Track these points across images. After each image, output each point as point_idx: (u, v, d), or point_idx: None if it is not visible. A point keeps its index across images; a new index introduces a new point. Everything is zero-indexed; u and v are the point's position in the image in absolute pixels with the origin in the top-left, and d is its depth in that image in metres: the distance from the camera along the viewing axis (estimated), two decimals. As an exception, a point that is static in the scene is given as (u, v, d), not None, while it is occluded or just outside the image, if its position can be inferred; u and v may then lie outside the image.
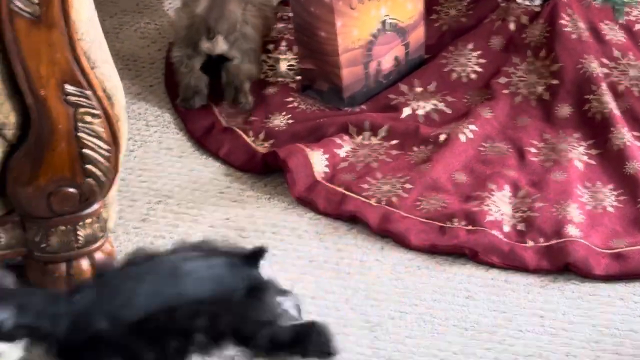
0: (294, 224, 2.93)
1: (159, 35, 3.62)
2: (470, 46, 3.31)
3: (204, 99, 3.26)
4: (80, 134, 2.52)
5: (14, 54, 2.41)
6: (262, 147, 3.12)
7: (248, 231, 2.92)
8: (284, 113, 3.22)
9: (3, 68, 2.43)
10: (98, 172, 2.58)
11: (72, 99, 2.49)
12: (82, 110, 2.50)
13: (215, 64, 3.25)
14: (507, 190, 2.91)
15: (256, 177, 3.10)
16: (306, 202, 2.97)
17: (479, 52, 3.29)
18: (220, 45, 3.14)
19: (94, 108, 2.51)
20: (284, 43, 3.44)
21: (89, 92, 2.49)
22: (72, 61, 2.45)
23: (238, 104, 3.22)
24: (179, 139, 3.24)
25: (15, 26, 2.38)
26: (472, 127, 3.07)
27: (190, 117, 3.27)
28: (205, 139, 3.18)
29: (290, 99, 3.28)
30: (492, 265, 2.75)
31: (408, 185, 2.94)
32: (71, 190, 2.59)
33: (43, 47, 2.42)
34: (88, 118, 2.52)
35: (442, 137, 3.06)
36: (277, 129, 3.17)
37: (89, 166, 2.56)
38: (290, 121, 3.19)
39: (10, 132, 2.51)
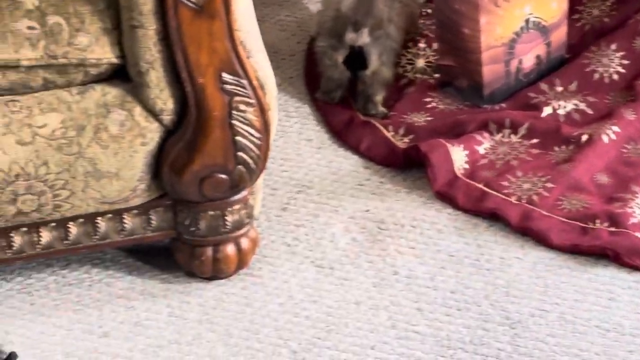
0: (433, 219, 2.96)
1: (299, 28, 3.68)
2: (613, 46, 3.28)
3: (344, 92, 3.31)
4: (234, 122, 2.60)
5: (176, 42, 2.49)
6: (401, 142, 3.15)
7: (387, 223, 2.95)
8: (422, 112, 3.25)
9: (165, 56, 2.51)
10: (249, 160, 2.65)
11: (229, 87, 2.56)
12: (237, 98, 2.58)
13: (353, 66, 3.29)
14: (651, 193, 2.90)
15: (394, 170, 3.14)
16: (446, 197, 2.99)
17: (622, 53, 3.27)
18: (364, 38, 3.18)
19: (248, 97, 2.58)
20: (423, 39, 3.47)
21: (244, 81, 2.57)
22: (230, 50, 2.53)
23: (368, 114, 3.26)
24: (318, 130, 3.29)
25: (179, 15, 2.46)
26: (615, 128, 3.05)
27: (329, 110, 3.31)
28: (344, 133, 3.22)
29: (429, 98, 3.30)
30: (635, 268, 2.74)
31: (549, 185, 2.94)
32: (223, 176, 2.66)
33: (204, 36, 2.50)
34: (242, 106, 2.59)
35: (584, 138, 3.04)
36: (416, 124, 3.20)
37: (240, 153, 2.63)
38: (429, 118, 3.22)
39: (167, 118, 2.59)
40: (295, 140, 3.26)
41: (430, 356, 2.59)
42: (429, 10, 3.49)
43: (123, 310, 2.75)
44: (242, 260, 2.82)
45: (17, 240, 2.66)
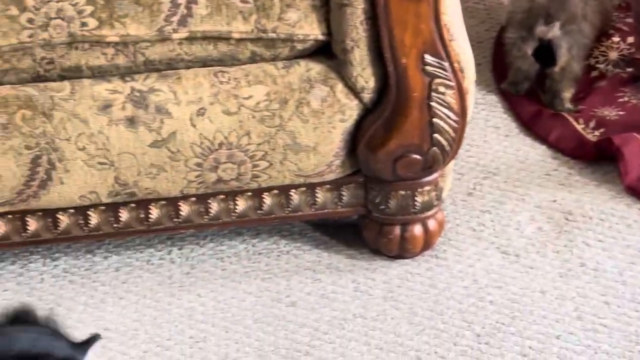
0: (623, 213, 2.92)
1: (488, 15, 3.68)
2: None
3: (530, 85, 3.29)
4: (433, 104, 2.62)
5: (382, 22, 2.53)
6: (592, 136, 3.12)
7: (575, 215, 2.93)
8: (613, 106, 3.21)
9: (370, 35, 2.56)
10: (444, 142, 2.67)
11: (430, 69, 2.58)
12: (437, 80, 2.60)
13: (542, 60, 3.26)
14: None
15: (583, 163, 3.11)
16: (637, 192, 2.95)
17: None
18: (555, 32, 3.15)
19: (448, 79, 2.60)
20: (617, 33, 3.42)
21: (446, 64, 2.59)
22: (434, 32, 2.55)
23: (555, 110, 3.23)
24: (506, 118, 3.28)
25: (389, -5, 2.50)
26: None
27: (516, 100, 3.30)
28: (533, 123, 3.21)
29: (621, 93, 3.25)
30: None
31: None
32: (417, 157, 2.69)
33: (410, 17, 2.53)
34: (442, 89, 2.61)
35: None
36: (607, 118, 3.16)
37: (436, 135, 2.66)
38: (621, 112, 3.18)
39: (368, 96, 2.63)
40: (482, 127, 3.27)
41: (617, 350, 2.56)
42: (627, 3, 3.44)
43: (310, 282, 2.82)
44: (428, 242, 2.85)
45: (214, 207, 2.76)
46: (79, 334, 2.64)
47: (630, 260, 2.79)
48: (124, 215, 2.73)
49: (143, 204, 2.73)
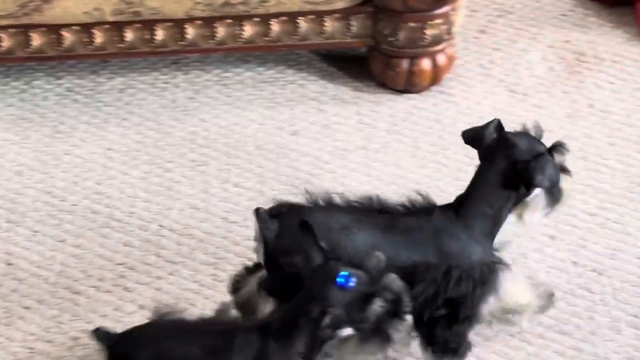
0: (636, 56, 2.87)
1: None
2: None
3: None
4: None
5: None
6: (611, -25, 3.04)
7: (587, 56, 2.88)
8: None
9: None
10: (457, -27, 2.61)
11: None
12: None
13: None
14: None
15: (602, 4, 3.03)
16: (654, 35, 2.90)
17: None
18: None
19: None
20: None
21: None
22: None
23: None
24: (524, -43, 3.21)
25: None
26: None
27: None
28: (552, -40, 3.13)
29: None
30: None
31: None
32: (428, -13, 2.64)
33: None
34: None
35: None
36: (628, -42, 3.08)
37: (449, -34, 2.60)
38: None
39: None
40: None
41: (618, 190, 2.55)
42: None
43: (314, 112, 2.80)
44: (436, 76, 2.81)
45: (221, 31, 2.71)
46: (80, 152, 2.66)
47: (639, 103, 2.75)
48: (128, 35, 2.69)
49: (148, 24, 2.68)
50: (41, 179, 2.61)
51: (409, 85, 2.82)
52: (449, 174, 2.61)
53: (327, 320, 1.78)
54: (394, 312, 1.83)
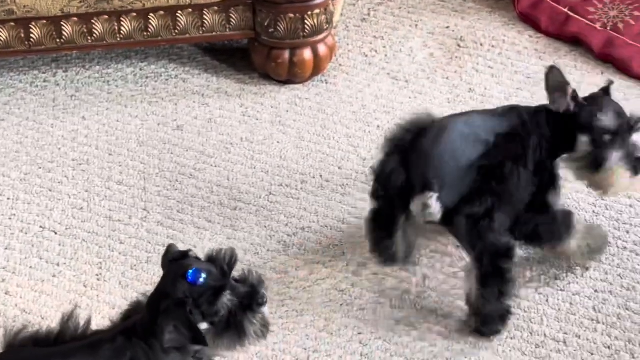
0: (514, 40, 2.91)
1: None
2: None
3: None
4: None
5: None
6: (488, -39, 3.09)
7: (467, 41, 2.92)
8: None
9: None
10: (333, -37, 2.62)
11: None
12: None
13: None
14: None
15: (479, -10, 3.10)
16: (529, 19, 2.94)
17: None
18: None
19: None
20: None
21: None
22: None
23: None
24: (404, -56, 3.24)
25: None
26: None
27: None
28: (430, -53, 3.16)
29: None
30: None
31: (637, 13, 2.87)
32: (305, -22, 2.64)
33: None
34: None
35: (679, -33, 2.96)
36: (505, -57, 3.12)
37: (325, -44, 2.60)
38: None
39: None
40: (379, -47, 3.22)
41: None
42: None
43: (197, 106, 2.78)
44: (318, 67, 2.82)
45: (98, 27, 2.68)
46: (-43, 155, 2.60)
47: (517, 86, 2.79)
48: (3, 34, 2.64)
49: (23, 22, 2.64)
50: None
51: (291, 76, 2.82)
52: (334, 163, 2.62)
53: (188, 310, 1.79)
54: (247, 305, 1.84)
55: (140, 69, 2.87)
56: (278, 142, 2.68)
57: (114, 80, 2.84)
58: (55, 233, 2.44)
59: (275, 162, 2.63)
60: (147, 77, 2.85)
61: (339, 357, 2.18)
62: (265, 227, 2.46)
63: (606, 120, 2.16)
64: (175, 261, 1.85)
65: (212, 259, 1.85)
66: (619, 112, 2.19)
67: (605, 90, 2.23)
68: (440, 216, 2.13)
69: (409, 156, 2.16)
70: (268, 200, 2.53)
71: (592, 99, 2.20)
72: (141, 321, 1.84)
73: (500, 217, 2.13)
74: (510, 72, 2.84)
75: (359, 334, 2.22)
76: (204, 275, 1.81)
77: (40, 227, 2.45)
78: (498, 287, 2.16)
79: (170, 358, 1.83)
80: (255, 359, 2.17)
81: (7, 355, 1.85)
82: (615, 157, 2.16)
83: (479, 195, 2.12)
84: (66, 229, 2.45)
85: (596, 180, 2.21)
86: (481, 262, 2.15)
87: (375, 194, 2.24)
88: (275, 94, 2.82)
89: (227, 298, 1.82)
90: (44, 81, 2.83)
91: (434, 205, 2.11)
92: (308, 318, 2.26)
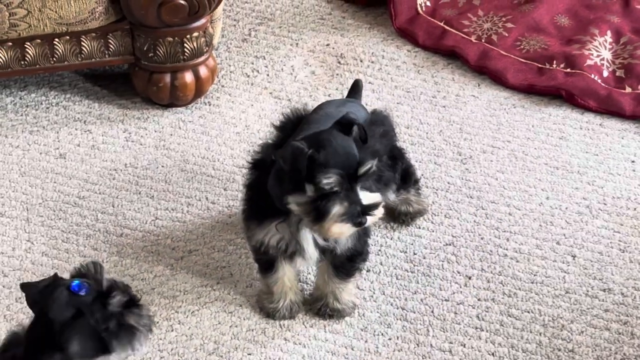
0: (392, 55, 2.96)
1: None
2: None
3: None
4: (194, -54, 2.57)
5: None
6: (364, -22, 3.13)
7: (347, 58, 2.96)
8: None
9: None
10: (209, -14, 2.63)
11: None
12: None
13: None
14: (609, 36, 2.91)
15: (357, 6, 3.12)
16: (406, 34, 2.99)
17: None
18: None
19: None
20: None
21: None
22: None
23: None
24: (282, -37, 3.26)
25: None
26: (579, -29, 3.05)
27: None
28: (308, -35, 3.20)
29: None
30: (587, 109, 2.78)
31: (509, 25, 2.95)
32: (181, 2, 2.64)
33: None
34: None
35: (547, -21, 3.05)
36: (380, -41, 3.18)
37: (200, -21, 2.61)
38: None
39: (127, -61, 2.55)
40: (258, -28, 3.24)
41: (382, 187, 2.65)
42: None
43: (80, 134, 2.77)
44: (200, 89, 2.83)
45: (-26, 58, 2.66)
46: None
47: (397, 100, 2.84)
48: None
49: None
50: None
51: (173, 99, 2.82)
52: (219, 185, 2.63)
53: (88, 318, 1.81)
54: (131, 300, 1.89)
55: (20, 98, 2.84)
56: (163, 166, 2.68)
57: (-7, 111, 2.82)
58: (-64, 270, 2.40)
59: (160, 187, 2.62)
60: (27, 106, 2.83)
61: (229, 380, 2.20)
62: (152, 252, 2.46)
63: (325, 179, 2.06)
64: (46, 287, 1.85)
65: (80, 274, 1.88)
66: (345, 160, 2.07)
67: (344, 126, 2.11)
68: None
69: None
70: (154, 225, 2.52)
71: (319, 146, 2.07)
72: (24, 353, 1.82)
73: None
74: (390, 87, 2.89)
75: (249, 354, 2.24)
76: (86, 285, 1.83)
77: None
78: None
79: None
80: (146, 387, 2.17)
81: None
82: (336, 210, 2.07)
83: None
84: (-53, 266, 2.41)
85: (317, 229, 2.13)
86: None
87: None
88: (159, 118, 2.82)
89: (117, 298, 1.85)
90: None
91: None
92: (197, 342, 2.27)
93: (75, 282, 1.83)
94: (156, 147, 2.73)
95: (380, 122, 2.32)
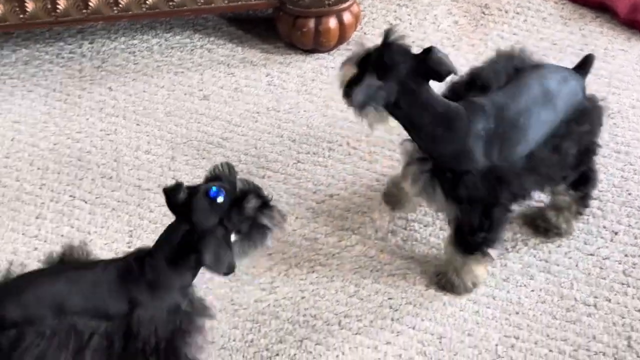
0: (538, 7, 2.91)
1: None
2: None
3: None
4: None
5: None
6: None
7: (492, 9, 2.91)
8: None
9: None
10: None
11: None
12: None
13: None
14: None
15: (505, -44, 3.09)
16: (554, -15, 2.94)
17: None
18: None
19: None
20: None
21: None
22: None
23: None
24: None
25: None
26: None
27: None
28: None
29: None
30: None
31: (663, -22, 2.87)
32: (330, -55, 2.64)
33: None
34: None
35: None
36: None
37: None
38: None
39: None
40: None
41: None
42: None
43: (223, 76, 2.79)
44: (343, 35, 2.82)
45: (124, -2, 2.70)
46: (-14, 126, 2.62)
47: (542, 52, 2.76)
48: (29, 5, 2.64)
49: (49, -7, 2.66)
50: (-52, 155, 2.58)
51: (316, 45, 2.82)
52: (360, 130, 2.62)
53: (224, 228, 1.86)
54: (264, 203, 1.93)
55: (166, 40, 2.88)
56: (305, 111, 2.69)
57: (139, 51, 2.85)
58: (85, 202, 2.45)
59: (302, 131, 2.63)
60: (172, 48, 2.86)
61: (369, 322, 2.19)
62: (293, 194, 2.47)
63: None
64: (187, 193, 1.89)
65: (215, 175, 1.92)
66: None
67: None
68: None
69: None
70: (296, 168, 2.54)
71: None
72: (167, 243, 1.90)
73: None
74: (536, 38, 2.83)
75: (389, 299, 2.24)
76: (223, 191, 1.88)
77: (70, 196, 2.46)
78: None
79: (169, 297, 1.89)
80: (287, 325, 2.18)
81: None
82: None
83: None
84: (96, 197, 2.46)
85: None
86: None
87: None
88: (301, 63, 2.82)
89: (252, 203, 1.89)
90: (70, 52, 2.84)
91: None
92: (338, 284, 2.27)
93: (214, 188, 1.88)
94: (298, 91, 2.74)
95: (589, 114, 2.19)
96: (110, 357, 1.91)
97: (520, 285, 2.26)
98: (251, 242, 1.93)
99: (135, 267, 1.91)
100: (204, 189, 1.89)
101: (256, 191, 1.93)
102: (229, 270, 1.89)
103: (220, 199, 1.88)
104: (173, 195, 1.92)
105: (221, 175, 1.92)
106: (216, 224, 1.87)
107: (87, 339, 1.87)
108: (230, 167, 1.93)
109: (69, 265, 1.94)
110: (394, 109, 2.06)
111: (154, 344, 1.91)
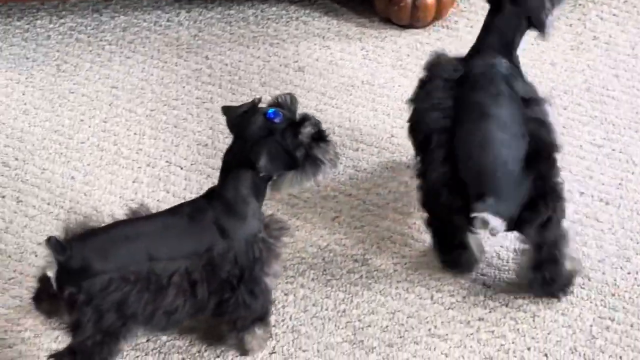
0: (640, -12, 2.88)
1: None
2: None
3: None
4: None
5: None
6: None
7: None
8: None
9: None
10: None
11: None
12: None
13: None
14: None
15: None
16: (656, -33, 2.89)
17: None
18: None
19: None
20: None
21: None
22: None
23: None
24: None
25: None
26: None
27: None
28: None
29: None
30: None
31: None
32: None
33: None
34: None
35: None
36: None
37: None
38: None
39: None
40: None
41: (624, 122, 2.56)
42: None
43: (318, 49, 2.79)
44: (439, 11, 2.80)
45: (223, -33, 2.71)
46: (85, 90, 2.66)
47: (643, 35, 2.76)
48: (130, -28, 2.69)
49: (150, -39, 2.68)
50: (47, 117, 2.60)
51: (412, 21, 2.81)
52: (455, 107, 2.61)
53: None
54: (319, 134, 1.98)
55: (262, 11, 2.89)
56: (399, 86, 2.68)
57: (235, 22, 2.86)
58: (181, 168, 2.47)
59: (396, 105, 2.63)
60: (268, 19, 2.87)
61: (462, 298, 2.19)
62: (387, 168, 2.47)
63: None
64: (245, 112, 1.97)
65: (277, 103, 1.98)
66: None
67: None
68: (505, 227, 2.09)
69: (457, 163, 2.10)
70: (390, 143, 2.53)
71: None
72: (221, 171, 1.98)
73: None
74: (636, 20, 2.79)
75: (482, 275, 2.22)
76: (280, 113, 1.94)
77: (167, 161, 2.49)
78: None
79: (244, 225, 1.96)
80: (379, 296, 2.18)
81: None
82: None
83: (542, 200, 2.07)
84: (191, 164, 2.48)
85: None
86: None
87: (425, 205, 2.18)
88: (396, 38, 2.81)
89: (308, 129, 1.95)
90: (168, 21, 2.86)
91: (494, 222, 2.05)
92: (431, 258, 2.27)
93: (271, 110, 1.95)
94: (393, 66, 2.73)
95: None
96: (195, 293, 1.96)
97: (616, 267, 2.24)
98: (303, 173, 1.98)
99: (206, 204, 1.98)
100: (263, 110, 1.96)
101: (315, 123, 1.98)
102: (287, 167, 1.94)
103: (277, 120, 1.93)
104: (230, 113, 1.99)
105: (282, 103, 1.99)
106: (267, 136, 1.93)
107: (167, 279, 1.93)
108: (292, 97, 2.00)
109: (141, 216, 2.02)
110: None
111: (238, 274, 1.97)
